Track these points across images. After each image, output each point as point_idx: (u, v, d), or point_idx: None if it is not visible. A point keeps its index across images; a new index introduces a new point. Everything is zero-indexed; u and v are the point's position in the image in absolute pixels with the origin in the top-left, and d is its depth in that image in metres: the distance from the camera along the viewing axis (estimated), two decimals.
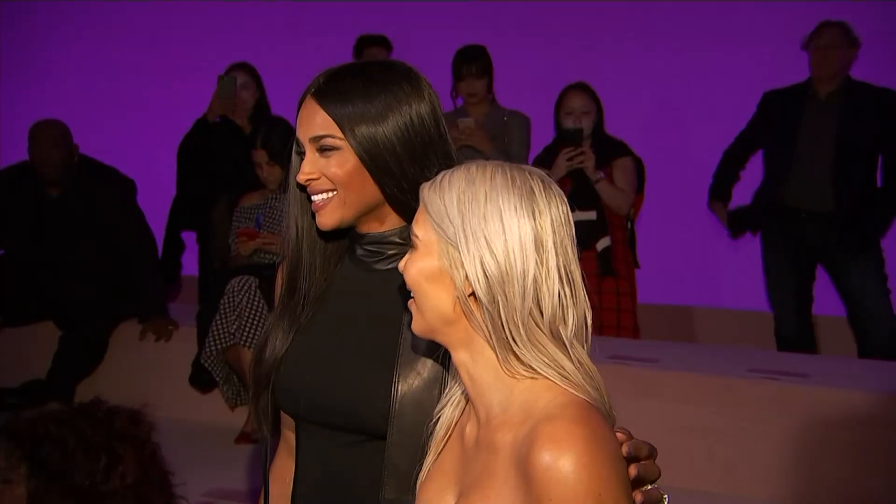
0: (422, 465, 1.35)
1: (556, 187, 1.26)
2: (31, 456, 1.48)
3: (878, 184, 4.65)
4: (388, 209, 1.51)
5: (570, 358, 1.22)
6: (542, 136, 4.84)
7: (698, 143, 5.52)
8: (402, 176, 1.46)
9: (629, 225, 4.69)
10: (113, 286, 4.72)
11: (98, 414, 1.53)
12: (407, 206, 1.47)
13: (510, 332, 1.21)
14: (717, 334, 5.45)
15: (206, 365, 4.30)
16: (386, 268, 1.52)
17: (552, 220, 1.23)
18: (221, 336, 4.22)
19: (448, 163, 1.45)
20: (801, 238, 4.67)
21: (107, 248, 4.70)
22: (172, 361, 4.59)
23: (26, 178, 4.71)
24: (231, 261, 4.54)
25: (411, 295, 1.29)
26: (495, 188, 1.22)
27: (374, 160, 1.46)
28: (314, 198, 1.51)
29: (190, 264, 5.28)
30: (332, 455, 1.52)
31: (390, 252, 1.53)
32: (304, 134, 1.49)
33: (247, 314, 4.19)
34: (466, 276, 1.22)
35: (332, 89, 1.47)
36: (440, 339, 1.28)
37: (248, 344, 4.17)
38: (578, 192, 4.46)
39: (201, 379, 4.44)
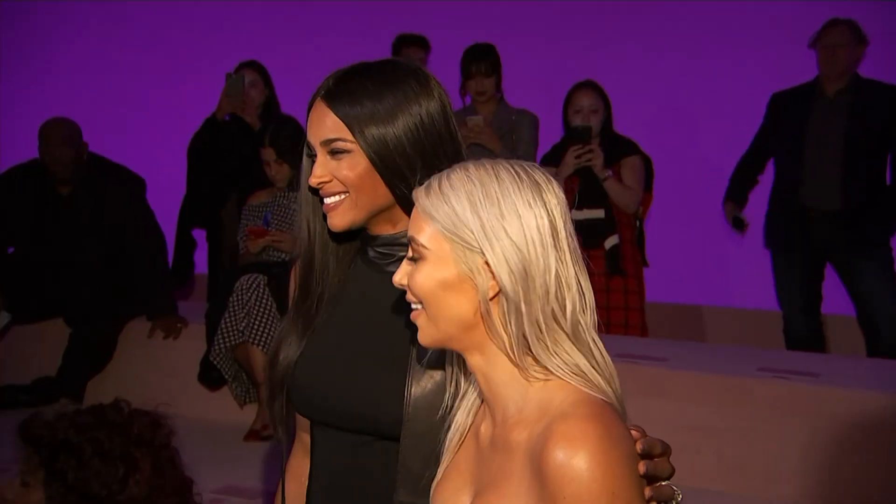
0: (435, 471, 1.34)
1: (550, 176, 1.27)
2: (48, 464, 1.49)
3: (888, 182, 4.64)
4: (399, 211, 1.50)
5: (588, 354, 1.22)
6: (550, 134, 4.84)
7: (707, 141, 5.51)
8: (412, 177, 1.45)
9: (638, 223, 4.68)
10: (122, 284, 4.73)
11: (118, 419, 1.53)
12: None
13: (531, 331, 1.20)
14: (726, 333, 5.44)
15: (216, 362, 4.32)
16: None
17: (561, 208, 1.24)
18: (230, 334, 4.23)
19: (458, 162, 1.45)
20: (810, 237, 4.66)
21: (116, 246, 4.71)
22: (181, 359, 4.60)
23: (36, 176, 4.73)
24: (240, 258, 4.55)
25: (413, 307, 1.27)
26: (504, 185, 1.22)
27: (384, 162, 1.45)
28: (326, 200, 1.50)
29: (200, 262, 5.30)
30: (347, 456, 1.52)
31: (402, 254, 1.51)
32: (315, 137, 1.49)
33: (256, 312, 4.20)
34: (493, 278, 1.20)
35: (342, 91, 1.47)
36: (454, 345, 1.27)
37: (256, 341, 4.18)
38: (586, 191, 4.46)
39: (210, 376, 4.45)
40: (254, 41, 5.99)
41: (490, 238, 1.20)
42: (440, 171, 1.28)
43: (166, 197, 5.20)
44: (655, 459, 1.22)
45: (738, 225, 4.94)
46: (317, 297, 1.56)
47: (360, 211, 1.49)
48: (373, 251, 1.55)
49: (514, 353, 1.22)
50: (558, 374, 1.21)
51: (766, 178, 4.94)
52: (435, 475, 1.35)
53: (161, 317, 4.71)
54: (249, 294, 4.21)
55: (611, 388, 1.23)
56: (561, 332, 1.21)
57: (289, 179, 4.43)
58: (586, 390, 1.21)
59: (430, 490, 1.35)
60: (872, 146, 4.54)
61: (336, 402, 1.51)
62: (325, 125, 1.47)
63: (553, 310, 1.21)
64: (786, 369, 3.91)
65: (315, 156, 1.50)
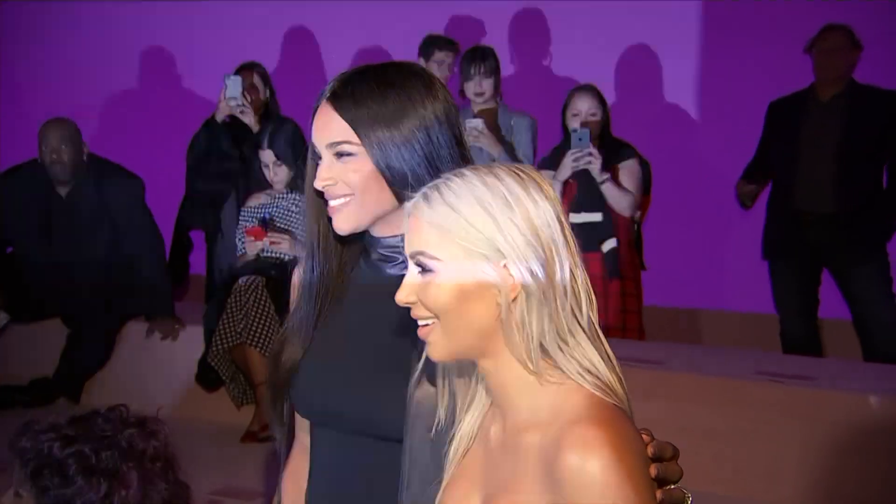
0: (439, 474, 1.34)
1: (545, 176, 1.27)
2: (33, 479, 1.49)
3: (884, 186, 4.64)
4: (404, 213, 1.50)
5: (602, 351, 1.23)
6: (548, 137, 4.84)
7: (705, 145, 5.51)
8: (417, 180, 1.44)
9: (635, 227, 4.69)
10: (120, 284, 4.74)
11: (106, 430, 1.52)
12: None
13: (551, 328, 1.20)
14: (723, 337, 5.44)
15: (213, 364, 4.32)
16: (401, 272, 1.51)
17: (559, 205, 1.24)
18: (228, 335, 4.24)
19: (464, 165, 1.42)
20: (806, 241, 4.66)
21: (115, 246, 4.72)
22: (179, 360, 4.61)
23: (35, 175, 4.73)
24: (238, 260, 4.55)
25: (421, 323, 1.25)
26: (510, 186, 1.21)
27: (390, 164, 1.45)
28: (331, 202, 1.50)
29: (197, 263, 5.30)
30: (347, 457, 1.52)
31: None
32: (320, 140, 1.48)
33: (253, 313, 4.20)
34: (514, 282, 1.19)
35: (348, 94, 1.47)
36: (469, 355, 1.25)
37: (254, 343, 4.18)
38: (584, 194, 4.46)
39: (208, 378, 4.45)
40: (254, 42, 5.99)
41: (507, 238, 1.19)
42: (444, 174, 1.27)
43: (165, 197, 5.20)
44: (665, 463, 1.23)
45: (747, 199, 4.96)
46: (320, 298, 1.56)
47: (364, 214, 1.49)
48: (376, 254, 1.55)
49: (530, 357, 1.21)
50: (573, 377, 1.21)
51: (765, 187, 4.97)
52: (439, 479, 1.34)
53: (159, 318, 4.71)
54: (247, 296, 4.22)
55: (621, 388, 1.23)
56: (579, 328, 1.21)
57: (287, 181, 4.43)
58: (598, 394, 1.21)
59: (434, 494, 1.33)
60: (868, 150, 4.55)
61: (337, 404, 1.51)
62: (331, 128, 1.47)
63: (571, 306, 1.21)
64: (783, 373, 3.91)
65: (320, 158, 1.49)
